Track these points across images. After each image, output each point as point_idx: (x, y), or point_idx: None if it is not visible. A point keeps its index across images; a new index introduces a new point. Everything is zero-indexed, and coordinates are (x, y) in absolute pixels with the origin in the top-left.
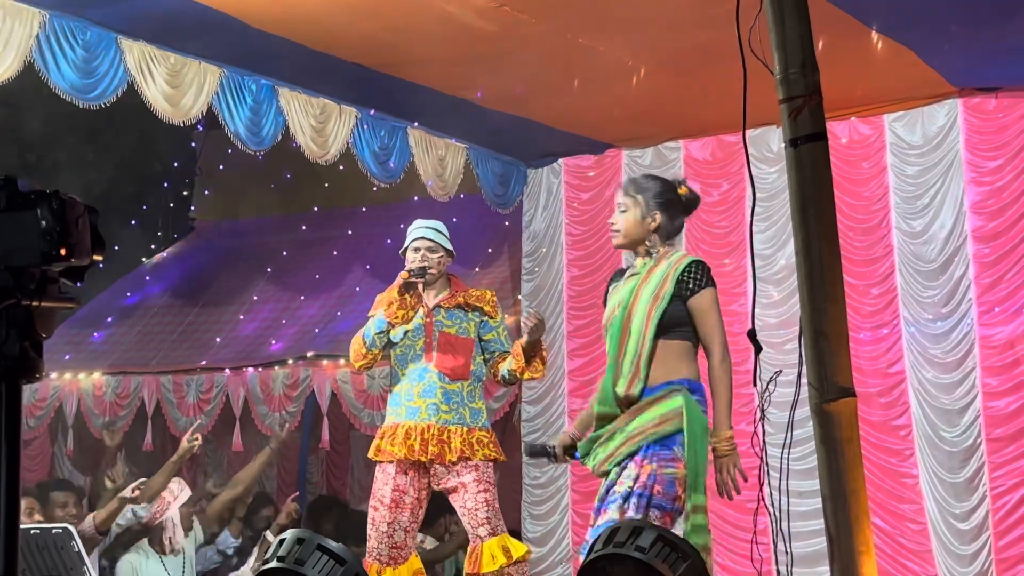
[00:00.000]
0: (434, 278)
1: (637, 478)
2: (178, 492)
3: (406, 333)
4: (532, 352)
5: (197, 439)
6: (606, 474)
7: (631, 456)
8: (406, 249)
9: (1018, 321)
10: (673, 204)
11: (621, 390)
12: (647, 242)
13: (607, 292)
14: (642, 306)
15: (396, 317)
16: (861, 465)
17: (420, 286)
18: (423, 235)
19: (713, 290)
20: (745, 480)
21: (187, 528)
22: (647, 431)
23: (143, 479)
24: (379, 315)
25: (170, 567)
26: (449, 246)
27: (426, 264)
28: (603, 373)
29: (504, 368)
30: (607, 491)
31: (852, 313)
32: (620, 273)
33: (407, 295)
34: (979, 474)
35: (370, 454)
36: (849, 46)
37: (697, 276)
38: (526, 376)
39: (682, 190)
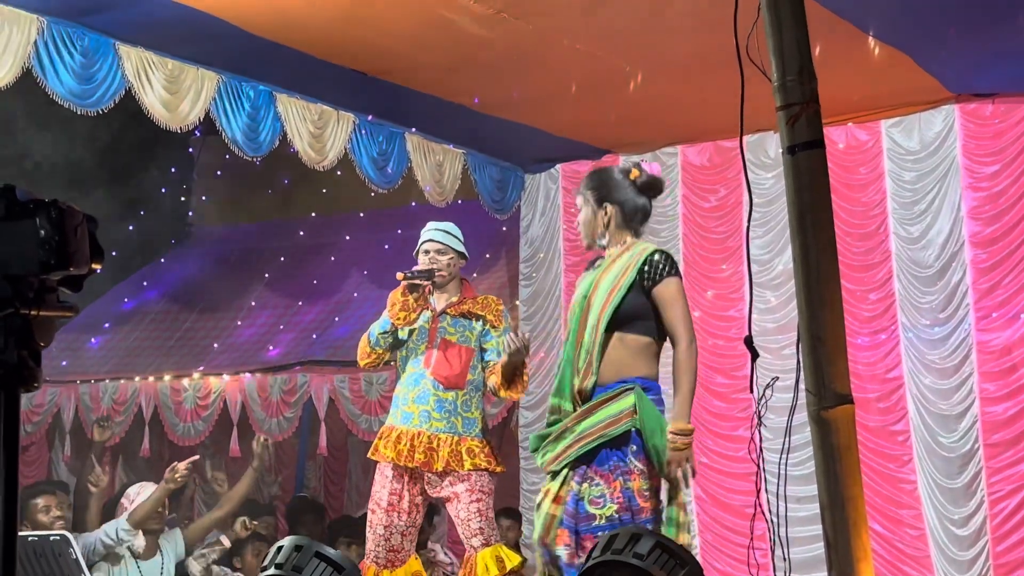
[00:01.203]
0: (444, 280)
1: (618, 501)
2: (141, 491)
3: (411, 334)
4: (512, 373)
5: (268, 442)
6: (555, 474)
7: (585, 462)
8: (418, 251)
9: (1015, 326)
10: (622, 191)
11: (576, 383)
12: (606, 236)
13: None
14: (599, 297)
15: (398, 319)
16: (859, 472)
17: (428, 288)
18: (432, 237)
19: (678, 279)
20: (694, 476)
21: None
22: (596, 433)
23: (191, 460)
24: (384, 315)
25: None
26: (460, 248)
27: (434, 267)
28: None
29: (490, 383)
30: (575, 505)
31: (850, 318)
32: (592, 263)
33: (410, 297)
34: (977, 479)
35: (369, 453)
36: (846, 52)
37: (659, 265)
38: (502, 394)
39: (633, 174)
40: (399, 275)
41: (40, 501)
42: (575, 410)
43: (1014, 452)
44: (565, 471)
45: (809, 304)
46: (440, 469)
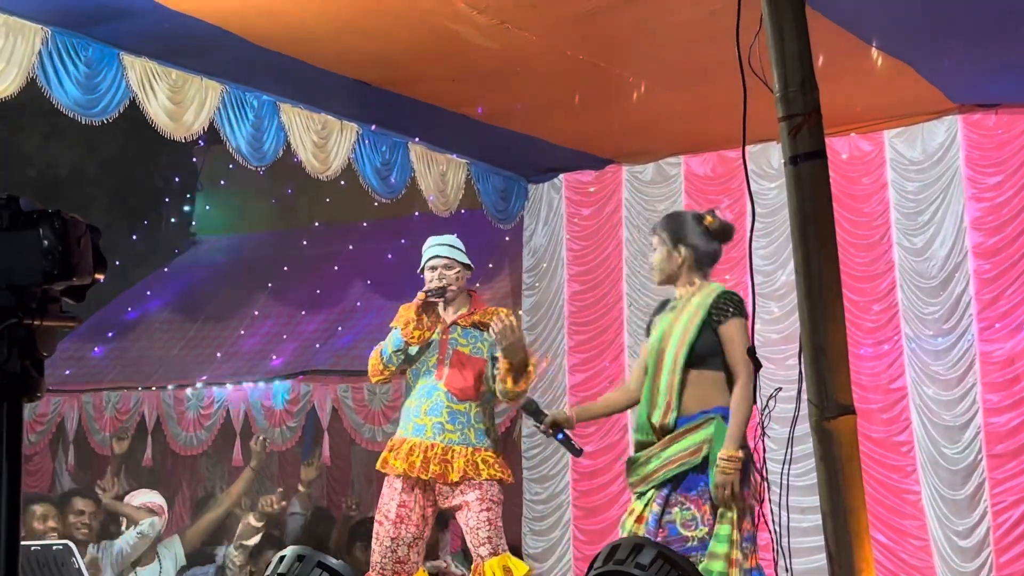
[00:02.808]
0: (454, 295)
1: (708, 523)
2: (137, 494)
3: (422, 347)
4: (515, 363)
5: (266, 441)
6: (642, 494)
7: (670, 486)
8: (423, 268)
9: (1019, 337)
10: (696, 236)
11: (656, 420)
12: (680, 275)
13: (650, 323)
14: (675, 338)
15: (413, 337)
16: (861, 483)
17: (440, 305)
18: (438, 253)
19: (741, 319)
20: (735, 499)
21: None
22: (681, 459)
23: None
24: (396, 332)
25: None
26: (466, 260)
27: (444, 283)
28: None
29: (497, 389)
30: (656, 522)
31: (853, 329)
32: (664, 305)
33: (425, 315)
34: (980, 490)
35: (377, 465)
36: (849, 62)
37: (724, 306)
38: (511, 388)
39: (708, 220)
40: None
41: (39, 508)
42: (659, 441)
43: (1017, 463)
44: (650, 492)
45: (811, 315)
46: (455, 480)
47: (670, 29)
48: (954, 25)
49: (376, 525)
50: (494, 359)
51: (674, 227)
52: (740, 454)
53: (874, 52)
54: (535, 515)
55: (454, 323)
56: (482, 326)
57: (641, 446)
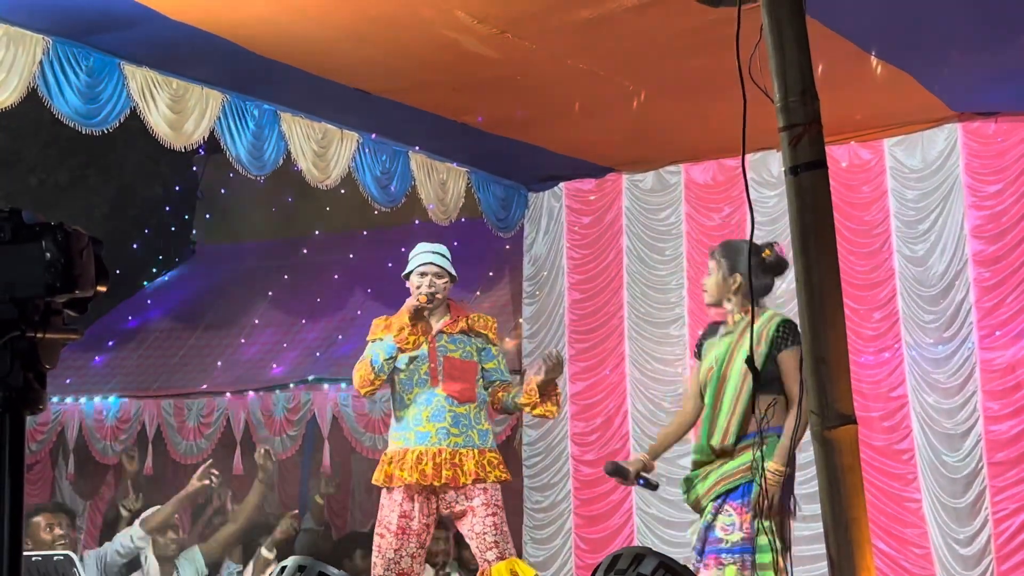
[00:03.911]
0: (438, 304)
1: (745, 531)
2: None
3: (411, 359)
4: (547, 391)
5: (211, 478)
6: (702, 509)
7: (726, 496)
8: (409, 273)
9: (1019, 345)
10: (752, 267)
11: (716, 443)
12: (732, 301)
13: (701, 345)
14: (738, 365)
15: (408, 343)
16: (862, 492)
17: (427, 312)
18: (431, 260)
19: (797, 348)
20: (771, 509)
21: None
22: (739, 474)
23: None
24: (388, 340)
25: None
26: (453, 271)
27: (434, 290)
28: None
29: (510, 398)
30: (706, 529)
31: (854, 337)
32: (713, 329)
33: (419, 322)
34: (981, 498)
35: (377, 480)
36: (849, 71)
37: (784, 335)
38: (536, 413)
39: (766, 253)
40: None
41: (42, 519)
42: (716, 459)
43: (1018, 471)
44: (708, 505)
45: (812, 324)
46: (468, 482)
47: (670, 38)
48: (953, 34)
49: (377, 538)
50: (483, 368)
51: (731, 255)
52: (785, 469)
53: (874, 60)
54: (536, 523)
55: (440, 331)
56: (471, 332)
57: (698, 465)
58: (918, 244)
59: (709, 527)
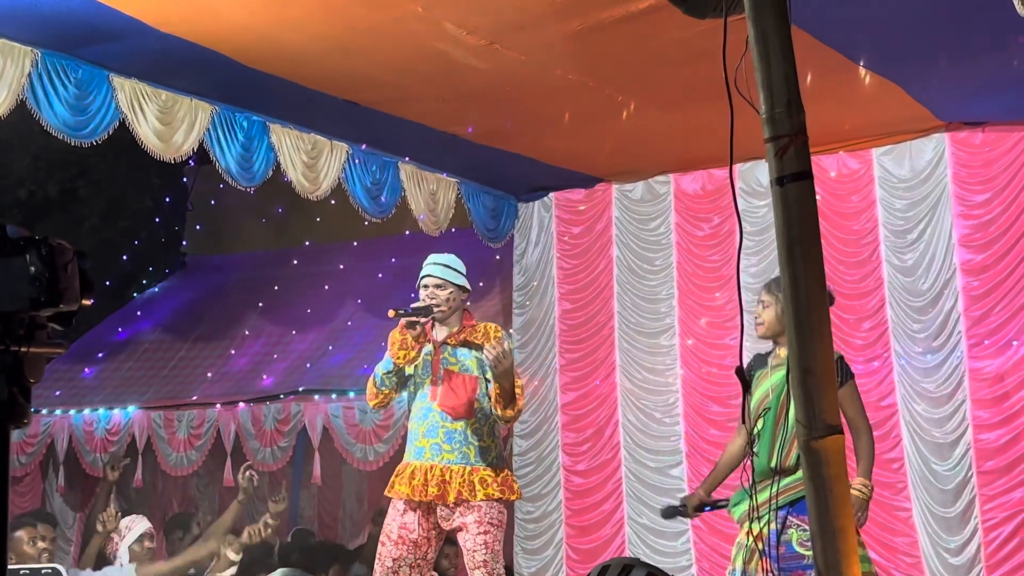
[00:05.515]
0: (444, 315)
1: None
2: (132, 525)
3: (417, 369)
4: (503, 390)
5: (252, 476)
6: (759, 518)
7: (788, 508)
8: (419, 285)
9: (1008, 353)
10: None
11: (776, 464)
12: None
13: (751, 374)
14: None
15: (398, 357)
16: (849, 502)
17: (430, 324)
18: (431, 272)
19: (852, 382)
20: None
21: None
22: (797, 487)
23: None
24: (386, 354)
25: None
26: (460, 281)
27: (432, 303)
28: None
29: (495, 414)
30: (777, 541)
31: (843, 346)
32: (761, 360)
33: (409, 335)
34: (971, 507)
35: (386, 491)
36: (837, 81)
37: (842, 374)
38: (502, 414)
39: None
40: (390, 312)
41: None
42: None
43: (1007, 480)
44: (767, 515)
45: (799, 335)
46: (452, 501)
47: (659, 49)
48: (941, 44)
49: (379, 546)
50: (487, 379)
51: None
52: (866, 482)
53: (862, 71)
54: (527, 534)
55: (444, 343)
56: (471, 344)
57: (759, 483)
58: (907, 253)
59: (779, 539)
